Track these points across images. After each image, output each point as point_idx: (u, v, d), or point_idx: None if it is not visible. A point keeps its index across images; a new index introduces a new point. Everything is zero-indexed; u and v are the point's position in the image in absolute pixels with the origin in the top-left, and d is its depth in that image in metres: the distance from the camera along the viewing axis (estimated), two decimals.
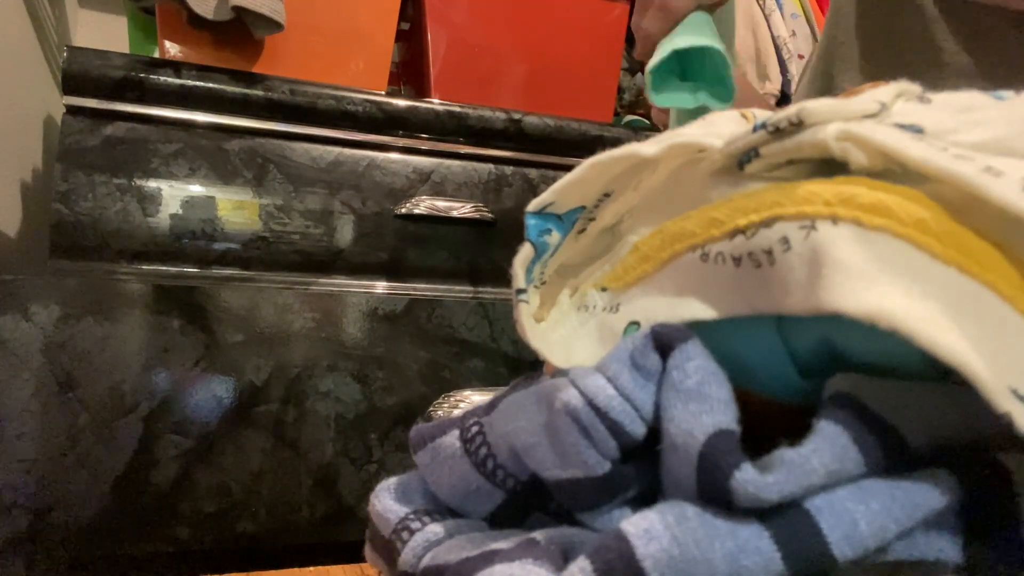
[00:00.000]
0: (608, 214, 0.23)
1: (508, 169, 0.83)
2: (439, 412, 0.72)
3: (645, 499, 0.17)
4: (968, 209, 0.15)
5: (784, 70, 1.14)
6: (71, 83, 0.68)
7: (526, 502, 0.19)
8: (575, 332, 0.22)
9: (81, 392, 0.62)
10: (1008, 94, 0.18)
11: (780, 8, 1.17)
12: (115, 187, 0.68)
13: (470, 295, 0.80)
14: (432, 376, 0.73)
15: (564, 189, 0.22)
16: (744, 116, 0.22)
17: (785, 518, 0.14)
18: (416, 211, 0.78)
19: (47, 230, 0.67)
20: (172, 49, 0.76)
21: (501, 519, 0.20)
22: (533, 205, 0.23)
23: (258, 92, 0.74)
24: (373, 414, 0.71)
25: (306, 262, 0.75)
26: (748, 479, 0.14)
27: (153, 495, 0.63)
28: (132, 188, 0.69)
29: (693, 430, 0.15)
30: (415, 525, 0.19)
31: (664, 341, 0.17)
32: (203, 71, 0.72)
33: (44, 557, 0.61)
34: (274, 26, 0.72)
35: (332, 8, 0.81)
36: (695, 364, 0.16)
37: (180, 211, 0.70)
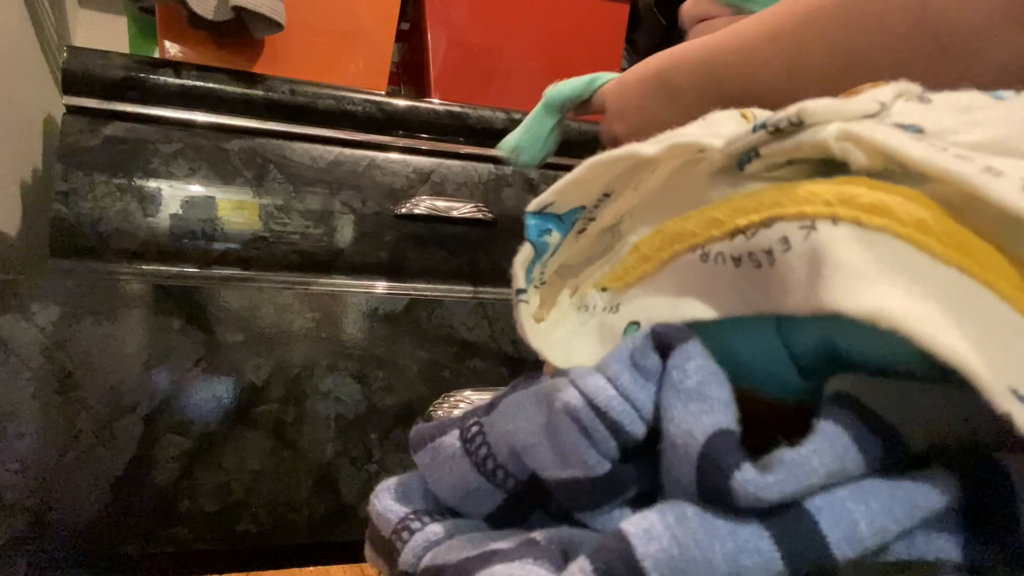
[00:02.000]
0: (608, 214, 0.23)
1: (508, 169, 0.83)
2: (439, 412, 0.72)
3: (645, 499, 0.17)
4: (968, 209, 0.15)
5: None
6: (71, 83, 0.68)
7: (526, 502, 0.19)
8: (575, 332, 0.22)
9: (81, 392, 0.62)
10: (1008, 94, 0.18)
11: None
12: (115, 187, 0.68)
13: (470, 295, 0.80)
14: (432, 376, 0.73)
15: (564, 189, 0.22)
16: (744, 116, 0.22)
17: (785, 518, 0.14)
18: (416, 211, 0.78)
19: (47, 230, 0.67)
20: (172, 49, 0.75)
21: (501, 519, 0.20)
22: (533, 205, 0.23)
23: (258, 92, 0.74)
24: (373, 414, 0.71)
25: (306, 262, 0.75)
26: (748, 479, 0.14)
27: (153, 495, 0.63)
28: (132, 188, 0.69)
29: (693, 430, 0.15)
30: (415, 525, 0.19)
31: (664, 341, 0.17)
32: (203, 71, 0.72)
33: (44, 557, 0.61)
34: (274, 26, 0.72)
35: (332, 8, 0.81)
36: (695, 364, 0.16)
37: (180, 211, 0.70)
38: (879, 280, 0.14)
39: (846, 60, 0.33)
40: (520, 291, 0.23)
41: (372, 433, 0.71)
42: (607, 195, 0.23)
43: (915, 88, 0.19)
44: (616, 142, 0.52)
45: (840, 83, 0.27)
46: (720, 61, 0.41)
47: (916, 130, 0.17)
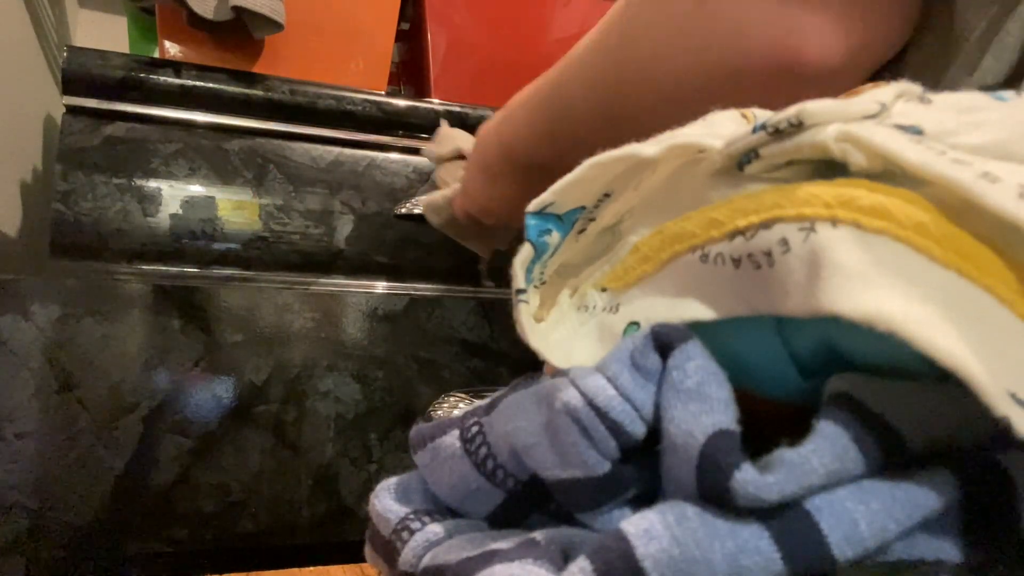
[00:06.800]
0: (608, 214, 0.23)
1: None
2: (439, 412, 0.72)
3: (645, 499, 0.17)
4: (967, 212, 0.15)
5: None
6: (71, 83, 0.68)
7: (526, 502, 0.19)
8: (575, 332, 0.22)
9: (81, 392, 0.62)
10: (1009, 94, 0.18)
11: None
12: (115, 187, 0.68)
13: (470, 295, 0.80)
14: (432, 376, 0.73)
15: (564, 189, 0.22)
16: (744, 116, 0.22)
17: (785, 518, 0.14)
18: (416, 211, 0.78)
19: (47, 230, 0.67)
20: (172, 49, 0.76)
21: (501, 519, 0.20)
22: (533, 205, 0.23)
23: (258, 92, 0.74)
24: (373, 414, 0.71)
25: (306, 262, 0.75)
26: (748, 479, 0.14)
27: (153, 495, 0.63)
28: (132, 188, 0.69)
29: (693, 430, 0.15)
30: (415, 525, 0.19)
31: (664, 341, 0.17)
32: (203, 71, 0.72)
33: (44, 557, 0.61)
34: (274, 26, 0.72)
35: (332, 8, 0.81)
36: (695, 364, 0.16)
37: (180, 211, 0.70)
38: (878, 283, 0.14)
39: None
40: (520, 291, 0.23)
41: (372, 433, 0.71)
42: (607, 195, 0.23)
43: (916, 88, 0.19)
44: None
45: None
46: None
47: (916, 131, 0.17)
